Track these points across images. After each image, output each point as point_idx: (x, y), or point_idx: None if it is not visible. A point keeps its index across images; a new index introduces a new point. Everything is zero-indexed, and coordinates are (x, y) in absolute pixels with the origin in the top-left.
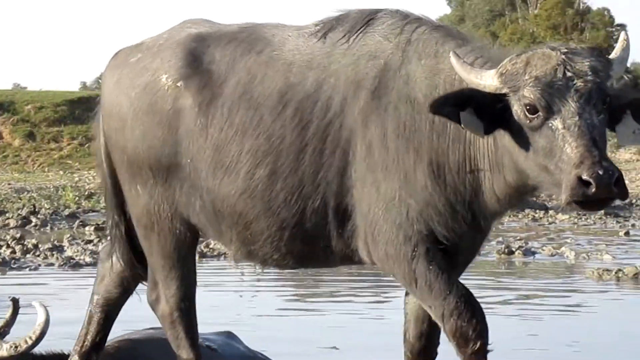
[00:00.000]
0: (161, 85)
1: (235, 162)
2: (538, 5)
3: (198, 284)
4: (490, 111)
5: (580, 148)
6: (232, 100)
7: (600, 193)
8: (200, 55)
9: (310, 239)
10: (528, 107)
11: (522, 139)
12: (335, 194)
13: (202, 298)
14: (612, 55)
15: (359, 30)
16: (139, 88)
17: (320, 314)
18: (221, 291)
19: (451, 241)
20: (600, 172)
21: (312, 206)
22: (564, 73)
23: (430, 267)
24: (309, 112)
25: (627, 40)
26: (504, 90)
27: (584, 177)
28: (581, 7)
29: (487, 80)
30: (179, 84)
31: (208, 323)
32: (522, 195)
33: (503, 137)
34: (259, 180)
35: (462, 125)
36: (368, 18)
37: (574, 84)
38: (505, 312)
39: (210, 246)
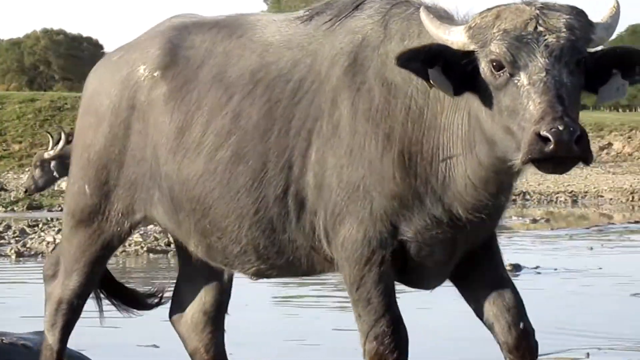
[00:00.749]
0: (138, 77)
1: (197, 143)
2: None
3: None
4: (459, 70)
5: (543, 104)
6: (205, 82)
7: (559, 150)
8: (180, 43)
9: (271, 231)
10: (494, 63)
11: (488, 100)
12: (296, 178)
13: None
14: (599, 20)
15: (346, 14)
16: (118, 83)
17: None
18: None
19: (420, 241)
20: (560, 128)
21: (274, 193)
22: (535, 27)
23: (379, 281)
24: (279, 91)
25: (617, 7)
26: (472, 47)
27: (542, 132)
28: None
29: (456, 36)
30: (155, 74)
31: None
32: (498, 177)
33: (473, 103)
34: (219, 162)
35: (430, 83)
36: (358, 2)
37: (545, 39)
38: None
39: (28, 245)
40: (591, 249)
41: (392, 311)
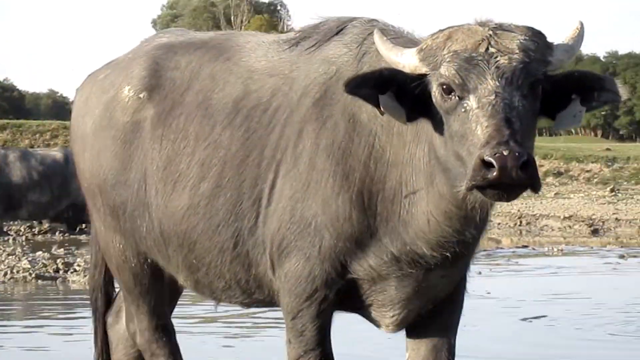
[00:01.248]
0: (122, 98)
1: (183, 175)
2: (242, 27)
3: None
4: (412, 96)
5: (490, 128)
6: (191, 108)
7: (503, 177)
8: (165, 64)
9: (249, 265)
10: (444, 87)
11: (440, 126)
12: (264, 210)
13: None
14: (560, 42)
15: (329, 38)
16: (102, 105)
17: None
18: None
19: (375, 278)
20: (505, 153)
21: (247, 225)
22: (487, 49)
23: (317, 317)
24: (257, 120)
25: (580, 29)
26: (424, 70)
27: (486, 157)
28: (285, 30)
29: (407, 59)
30: (141, 95)
31: None
32: (460, 211)
33: (428, 130)
34: (202, 195)
35: (381, 109)
36: (341, 27)
37: (497, 61)
38: None
39: None
40: (479, 273)
41: (323, 347)
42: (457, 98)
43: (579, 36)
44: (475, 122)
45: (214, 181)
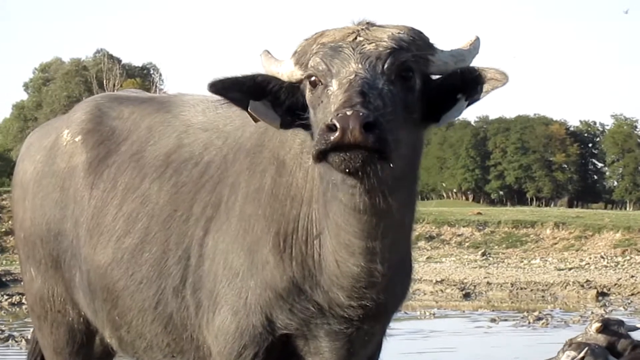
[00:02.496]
0: (61, 142)
1: (109, 228)
2: (115, 91)
3: None
4: (288, 105)
5: (342, 99)
6: (124, 158)
7: (344, 137)
8: (108, 112)
9: (173, 327)
10: (311, 80)
11: (315, 129)
12: (193, 269)
13: None
14: (451, 48)
15: None
16: (44, 150)
17: None
18: None
19: (307, 334)
20: (348, 113)
21: (172, 284)
22: (355, 38)
23: None
24: (187, 174)
25: (475, 41)
26: (299, 73)
27: (329, 122)
28: (158, 92)
29: (284, 66)
30: (77, 139)
31: None
32: (360, 242)
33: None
34: (126, 249)
35: (249, 112)
36: None
37: (362, 47)
38: None
39: None
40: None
41: None
42: (321, 86)
43: (473, 47)
44: (333, 102)
45: (138, 236)
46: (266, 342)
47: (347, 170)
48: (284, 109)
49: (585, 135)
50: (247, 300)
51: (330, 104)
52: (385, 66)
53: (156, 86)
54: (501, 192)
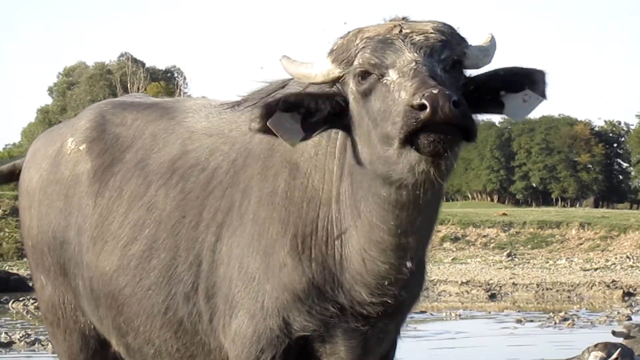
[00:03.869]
0: (65, 150)
1: (114, 235)
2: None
3: None
4: (326, 111)
5: (415, 84)
6: (129, 166)
7: (437, 115)
8: (112, 118)
9: (183, 332)
10: (360, 76)
11: (360, 127)
12: (206, 275)
13: None
14: (475, 44)
15: (270, 94)
16: (49, 158)
17: None
18: None
19: (324, 335)
20: (434, 91)
21: (183, 290)
22: (401, 30)
23: None
24: (193, 180)
25: (492, 38)
26: (338, 71)
27: (415, 102)
28: (182, 96)
29: (319, 67)
30: (81, 147)
31: None
32: (393, 239)
33: (349, 143)
34: (133, 256)
35: (269, 126)
36: (285, 83)
37: (412, 38)
38: None
39: None
40: None
41: None
42: (375, 77)
43: (492, 43)
44: (398, 90)
45: (145, 242)
46: (283, 345)
47: (435, 150)
48: (319, 118)
49: (610, 135)
50: (264, 304)
51: (393, 92)
52: (440, 56)
53: (180, 89)
54: (526, 193)
